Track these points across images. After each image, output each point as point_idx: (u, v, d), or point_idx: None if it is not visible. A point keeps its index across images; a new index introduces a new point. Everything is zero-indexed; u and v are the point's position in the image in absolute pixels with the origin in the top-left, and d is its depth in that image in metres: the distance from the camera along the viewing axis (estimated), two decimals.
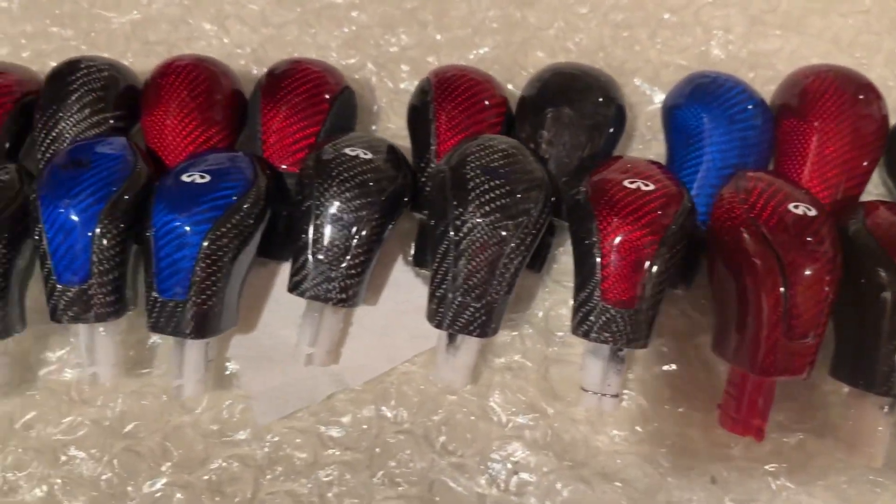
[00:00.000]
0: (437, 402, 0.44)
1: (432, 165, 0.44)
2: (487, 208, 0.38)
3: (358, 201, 0.40)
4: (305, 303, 0.42)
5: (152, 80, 0.48)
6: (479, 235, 0.38)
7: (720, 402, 0.40)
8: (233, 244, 0.40)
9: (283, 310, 0.46)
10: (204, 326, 0.40)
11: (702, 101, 0.44)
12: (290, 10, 0.55)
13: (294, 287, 0.41)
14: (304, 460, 0.43)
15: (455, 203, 0.38)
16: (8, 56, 0.55)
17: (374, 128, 0.52)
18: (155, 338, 0.46)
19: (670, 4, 0.53)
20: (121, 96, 0.47)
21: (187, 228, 0.39)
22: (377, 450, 0.43)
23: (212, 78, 0.47)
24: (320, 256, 0.41)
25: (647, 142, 0.49)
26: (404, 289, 0.46)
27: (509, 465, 0.42)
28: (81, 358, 0.41)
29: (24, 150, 0.49)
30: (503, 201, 0.38)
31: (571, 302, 0.40)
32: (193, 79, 0.46)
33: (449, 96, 0.45)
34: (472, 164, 0.39)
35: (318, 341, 0.42)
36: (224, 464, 0.43)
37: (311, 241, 0.41)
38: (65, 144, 0.45)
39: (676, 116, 0.45)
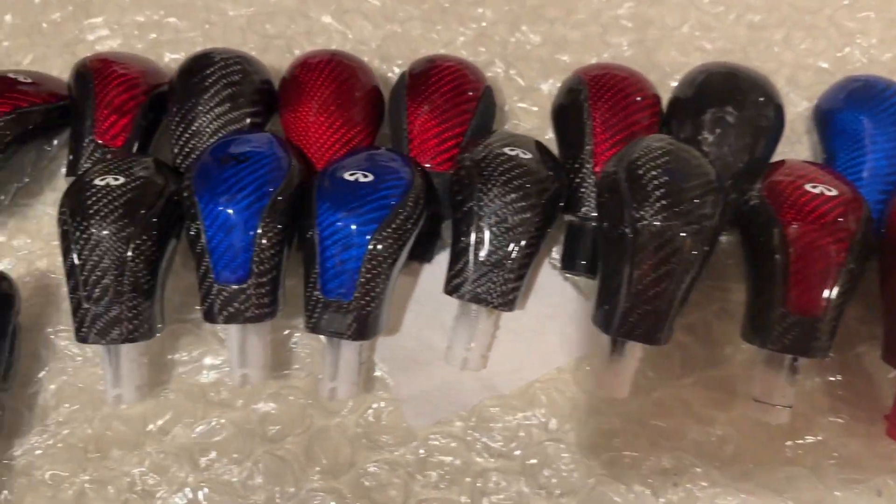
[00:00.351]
0: (590, 410, 0.42)
1: (587, 167, 0.43)
2: (668, 213, 0.37)
3: (521, 203, 0.39)
4: (453, 304, 0.41)
5: (292, 75, 0.46)
6: (658, 239, 0.37)
7: (888, 412, 0.39)
8: (396, 245, 0.39)
9: (425, 311, 0.45)
10: (365, 328, 0.39)
11: (863, 106, 0.43)
12: (415, 6, 0.54)
13: (454, 289, 0.40)
14: (457, 467, 0.42)
15: (634, 206, 0.37)
16: (120, 47, 0.54)
17: (506, 127, 0.51)
18: (296, 338, 0.44)
19: (805, 7, 0.52)
20: (257, 91, 0.46)
21: (354, 228, 0.38)
22: (532, 459, 0.41)
23: (353, 74, 0.46)
24: (482, 259, 0.39)
25: (792, 144, 0.48)
26: (551, 293, 0.45)
27: (672, 477, 0.41)
28: (232, 360, 0.40)
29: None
30: (684, 206, 0.37)
31: (743, 308, 0.39)
32: (337, 75, 0.45)
33: (604, 95, 0.43)
34: (649, 166, 0.38)
35: (474, 344, 0.41)
36: (374, 469, 0.42)
37: (472, 243, 0.40)
38: (203, 140, 0.44)
39: (836, 121, 0.44)
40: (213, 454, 0.42)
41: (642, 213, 0.37)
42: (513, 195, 0.39)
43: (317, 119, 0.44)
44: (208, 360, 0.45)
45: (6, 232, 0.49)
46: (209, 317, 0.39)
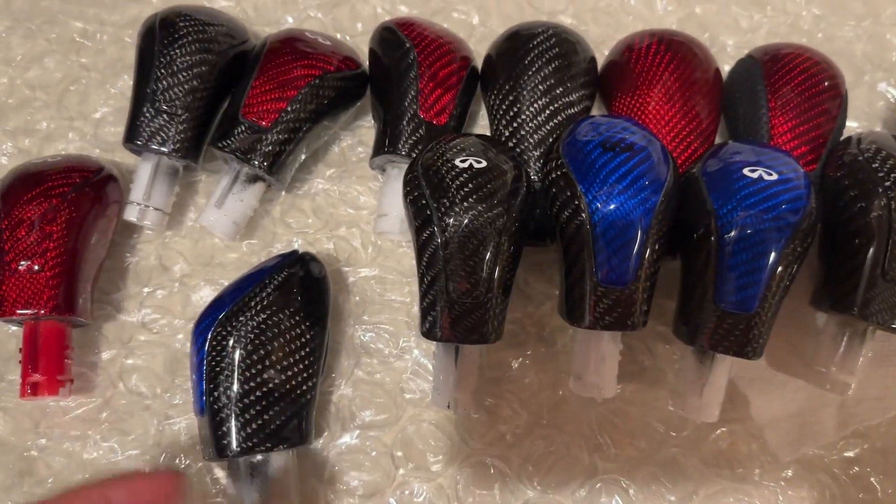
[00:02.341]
0: None
1: None
2: None
3: None
4: (828, 323, 0.37)
5: (624, 57, 0.42)
6: None
7: None
8: (804, 253, 0.35)
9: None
10: (759, 345, 0.35)
11: None
12: None
13: (847, 306, 0.36)
14: (815, 499, 0.38)
15: None
16: (386, 14, 0.49)
17: None
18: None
19: None
20: (587, 70, 0.42)
21: (770, 233, 0.34)
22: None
23: (696, 57, 0.42)
24: (890, 277, 0.35)
25: None
26: None
27: None
28: (585, 368, 0.36)
29: None
30: None
31: None
32: (682, 60, 0.41)
33: None
34: None
35: (854, 366, 0.37)
36: (733, 501, 0.38)
37: (871, 256, 0.35)
38: (537, 123, 0.40)
39: None
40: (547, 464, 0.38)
41: None
42: None
43: (665, 108, 0.40)
44: (526, 365, 0.41)
45: (278, 208, 0.44)
46: (580, 321, 0.35)
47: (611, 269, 0.34)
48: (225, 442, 0.35)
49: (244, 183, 0.41)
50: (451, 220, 0.34)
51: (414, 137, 0.40)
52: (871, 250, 0.35)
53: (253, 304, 0.36)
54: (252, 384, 0.35)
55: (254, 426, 0.35)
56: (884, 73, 0.47)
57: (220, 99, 0.42)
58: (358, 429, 0.39)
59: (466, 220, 0.34)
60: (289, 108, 0.40)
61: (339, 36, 0.48)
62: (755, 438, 0.39)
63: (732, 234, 0.34)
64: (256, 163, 0.39)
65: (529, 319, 0.41)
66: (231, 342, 0.35)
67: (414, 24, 0.42)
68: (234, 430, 0.35)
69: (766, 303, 0.34)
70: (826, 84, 0.41)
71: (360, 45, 0.47)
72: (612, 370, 0.36)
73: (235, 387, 0.35)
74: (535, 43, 0.41)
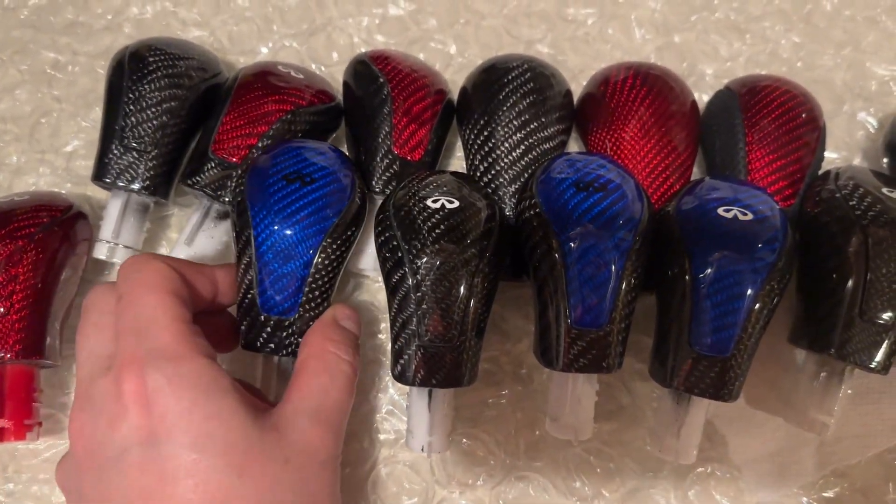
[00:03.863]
0: None
1: None
2: None
3: None
4: (807, 361, 0.37)
5: (601, 91, 0.42)
6: None
7: None
8: (780, 294, 0.34)
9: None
10: (734, 388, 0.34)
11: None
12: (695, 13, 0.49)
13: (823, 346, 0.35)
14: None
15: None
16: (364, 44, 0.49)
17: None
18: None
19: None
20: (562, 105, 0.42)
21: (745, 275, 0.33)
22: None
23: (672, 91, 0.41)
24: (867, 316, 0.35)
25: None
26: None
27: None
28: (559, 409, 0.35)
29: None
30: None
31: None
32: (658, 93, 0.41)
33: None
34: None
35: (832, 407, 0.37)
36: None
37: (849, 296, 0.35)
38: (509, 158, 0.40)
39: None
40: None
41: None
42: None
43: (641, 143, 0.39)
44: (502, 405, 0.40)
45: None
46: (554, 363, 0.34)
47: (585, 310, 0.34)
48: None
49: (214, 219, 0.40)
50: (423, 261, 0.34)
51: (388, 174, 0.40)
52: (849, 289, 0.35)
53: (346, 220, 0.36)
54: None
55: None
56: (864, 101, 0.47)
57: (191, 134, 0.41)
58: None
59: (438, 262, 0.34)
60: (260, 145, 0.39)
61: (314, 66, 0.48)
62: (734, 479, 0.38)
63: (707, 274, 0.34)
64: (227, 199, 0.39)
65: (506, 357, 0.41)
66: (339, 254, 0.36)
67: (388, 58, 0.42)
68: None
69: (741, 345, 0.33)
70: (804, 117, 0.40)
71: (336, 76, 0.47)
72: (588, 412, 0.36)
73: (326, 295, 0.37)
74: (510, 77, 0.41)
